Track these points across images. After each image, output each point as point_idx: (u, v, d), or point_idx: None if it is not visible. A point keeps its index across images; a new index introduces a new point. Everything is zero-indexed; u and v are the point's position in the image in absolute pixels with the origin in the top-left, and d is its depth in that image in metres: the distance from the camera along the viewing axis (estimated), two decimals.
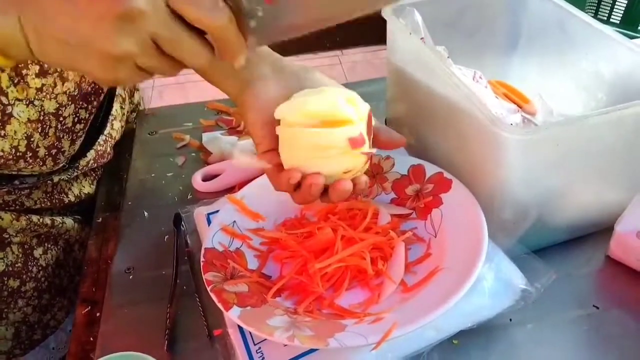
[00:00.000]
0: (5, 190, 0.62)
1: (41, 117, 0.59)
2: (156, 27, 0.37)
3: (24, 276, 0.65)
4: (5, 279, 0.64)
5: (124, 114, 0.79)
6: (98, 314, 0.59)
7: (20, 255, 0.65)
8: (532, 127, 0.64)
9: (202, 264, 0.54)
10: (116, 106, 0.76)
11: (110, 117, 0.74)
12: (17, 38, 0.39)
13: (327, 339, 0.45)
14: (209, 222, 0.63)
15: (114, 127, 0.75)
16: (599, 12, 1.58)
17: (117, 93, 0.76)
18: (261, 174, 0.66)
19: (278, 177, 0.49)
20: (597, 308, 0.55)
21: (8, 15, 0.38)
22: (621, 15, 1.55)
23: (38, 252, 0.67)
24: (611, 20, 1.54)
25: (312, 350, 0.49)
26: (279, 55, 0.55)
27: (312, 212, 0.60)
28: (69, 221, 0.71)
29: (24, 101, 0.56)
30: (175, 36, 0.38)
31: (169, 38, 0.38)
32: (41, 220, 0.66)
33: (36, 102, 0.57)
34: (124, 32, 0.37)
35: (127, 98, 0.81)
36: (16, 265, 0.64)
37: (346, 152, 0.47)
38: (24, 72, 0.54)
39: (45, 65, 0.56)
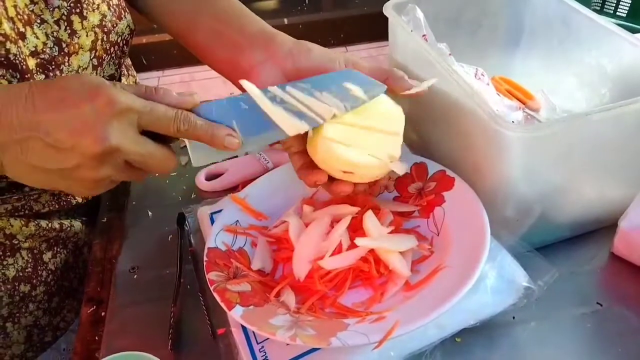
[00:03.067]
0: (16, 197, 0.63)
1: None
2: (129, 153, 0.44)
3: (34, 281, 0.66)
4: (16, 284, 0.64)
5: None
6: (103, 314, 0.59)
7: (30, 261, 0.65)
8: (533, 125, 0.64)
9: (205, 263, 0.54)
10: None
11: None
12: None
13: (330, 338, 0.45)
14: (212, 221, 0.63)
15: None
16: (605, 6, 1.57)
17: None
18: (264, 173, 0.66)
19: (306, 176, 0.53)
20: (601, 305, 0.55)
21: None
22: (628, 8, 1.53)
23: (47, 256, 0.67)
24: (617, 13, 1.53)
25: (315, 349, 0.49)
26: (271, 30, 0.58)
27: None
28: (77, 224, 0.71)
29: None
30: (146, 154, 0.45)
31: (141, 158, 0.45)
32: (50, 224, 0.67)
33: None
34: (103, 163, 0.44)
35: None
36: (26, 270, 0.65)
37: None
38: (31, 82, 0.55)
39: (51, 74, 0.57)
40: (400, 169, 0.53)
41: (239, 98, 0.49)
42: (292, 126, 0.49)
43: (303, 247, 0.55)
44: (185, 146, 0.79)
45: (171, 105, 0.46)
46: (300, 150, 0.54)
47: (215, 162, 0.58)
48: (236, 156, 0.75)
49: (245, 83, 0.49)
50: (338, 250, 0.54)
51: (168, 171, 0.48)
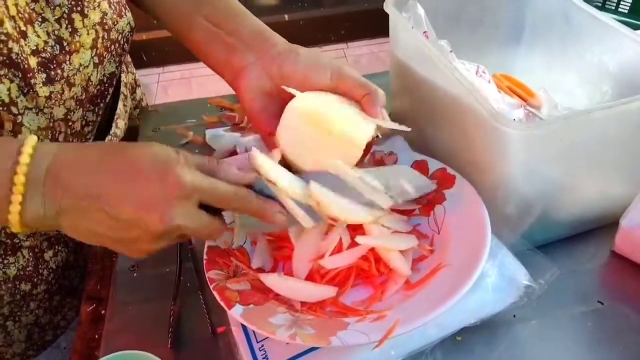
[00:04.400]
0: None
1: (51, 124, 0.59)
2: (188, 229, 0.45)
3: (35, 279, 0.66)
4: (17, 283, 0.64)
5: (126, 112, 0.79)
6: (103, 312, 0.59)
7: (31, 259, 0.65)
8: (534, 122, 0.64)
9: (204, 262, 0.54)
10: (120, 105, 0.76)
11: (115, 117, 0.74)
12: (50, 224, 0.45)
13: (329, 337, 0.45)
14: None
15: (119, 126, 0.75)
16: (607, 2, 1.56)
17: (120, 92, 0.76)
18: None
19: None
20: (602, 304, 0.55)
21: (47, 209, 0.44)
22: (629, 4, 1.53)
23: (48, 254, 0.67)
24: (619, 9, 1.52)
25: (315, 348, 0.49)
26: (266, 32, 0.60)
27: None
28: None
29: (34, 109, 0.56)
30: (201, 227, 0.46)
31: (195, 231, 0.46)
32: None
33: (45, 110, 0.57)
34: (163, 239, 0.45)
35: (128, 95, 0.81)
36: (27, 269, 0.65)
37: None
38: (32, 81, 0.54)
39: (52, 73, 0.57)
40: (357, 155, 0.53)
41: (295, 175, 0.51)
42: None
43: (303, 246, 0.54)
44: (187, 142, 0.80)
45: (231, 182, 0.47)
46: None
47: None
48: (236, 153, 0.75)
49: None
50: (338, 249, 0.54)
51: (214, 239, 0.52)
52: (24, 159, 0.43)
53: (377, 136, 0.54)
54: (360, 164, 0.53)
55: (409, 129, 0.54)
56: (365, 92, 0.54)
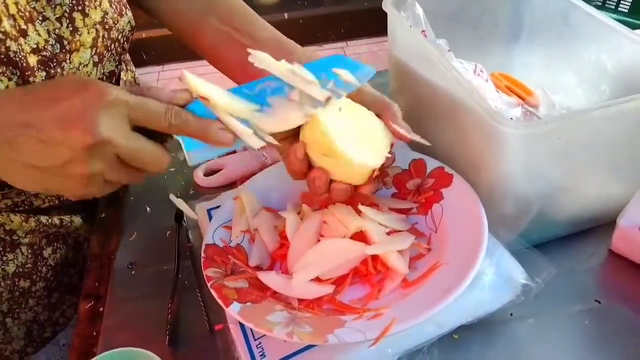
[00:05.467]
0: (15, 191, 0.63)
1: None
2: (122, 147, 0.43)
3: (34, 276, 0.66)
4: (16, 279, 0.64)
5: None
6: (101, 309, 0.59)
7: (30, 256, 0.65)
8: (532, 121, 0.64)
9: (202, 260, 0.54)
10: None
11: None
12: None
13: (326, 335, 0.45)
14: (210, 217, 0.63)
15: None
16: (607, 1, 1.56)
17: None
18: (262, 169, 0.66)
19: (289, 153, 0.52)
20: (599, 302, 0.55)
21: None
22: (629, 4, 1.52)
23: (47, 252, 0.67)
24: (619, 9, 1.52)
25: (312, 345, 0.49)
26: (283, 38, 0.59)
27: (311, 205, 0.60)
28: (77, 220, 0.71)
29: None
30: (138, 149, 0.44)
31: (133, 153, 0.44)
32: (50, 220, 0.67)
33: None
34: (94, 157, 0.43)
35: None
36: (26, 266, 0.65)
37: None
38: (31, 79, 0.54)
39: (52, 71, 0.57)
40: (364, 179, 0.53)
41: (231, 91, 0.49)
42: (293, 119, 0.49)
43: (298, 242, 0.55)
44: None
45: (163, 101, 0.45)
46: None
47: (211, 159, 0.57)
48: (234, 151, 0.75)
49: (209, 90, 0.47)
50: None
51: (162, 169, 0.47)
52: None
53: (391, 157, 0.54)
54: (376, 181, 0.54)
55: (430, 144, 0.55)
56: (383, 107, 0.54)
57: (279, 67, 0.49)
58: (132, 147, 0.44)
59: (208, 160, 0.58)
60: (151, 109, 0.44)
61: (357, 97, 0.54)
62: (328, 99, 0.49)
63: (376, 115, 0.54)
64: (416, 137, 0.54)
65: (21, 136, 0.42)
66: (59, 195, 0.68)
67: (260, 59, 0.49)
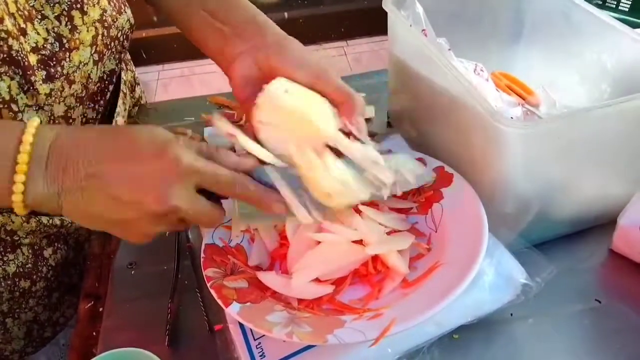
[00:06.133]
0: None
1: (51, 121, 0.59)
2: (187, 212, 0.45)
3: (34, 276, 0.66)
4: (17, 280, 0.64)
5: (126, 109, 0.79)
6: (101, 309, 0.59)
7: (31, 256, 0.65)
8: (532, 121, 0.64)
9: (202, 260, 0.54)
10: (119, 102, 0.76)
11: (115, 114, 0.74)
12: (52, 205, 0.45)
13: (326, 335, 0.45)
14: None
15: (119, 124, 0.75)
16: (607, 0, 1.56)
17: (120, 89, 0.76)
18: None
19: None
20: (599, 302, 0.55)
21: (49, 188, 0.44)
22: (630, 3, 1.52)
23: (48, 252, 0.67)
24: (620, 7, 1.52)
25: (312, 346, 0.49)
26: (261, 20, 0.59)
27: None
28: None
29: (34, 107, 0.56)
30: (200, 212, 0.46)
31: (195, 215, 0.46)
32: (51, 221, 0.66)
33: (46, 107, 0.57)
34: (161, 221, 0.45)
35: (128, 93, 0.81)
36: (26, 266, 0.65)
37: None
38: (32, 78, 0.54)
39: (52, 70, 0.56)
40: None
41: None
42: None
43: (298, 242, 0.54)
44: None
45: (230, 167, 0.47)
46: None
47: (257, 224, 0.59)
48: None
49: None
50: None
51: (214, 225, 0.51)
52: (27, 138, 0.43)
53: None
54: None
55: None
56: (344, 98, 0.52)
57: (346, 144, 0.50)
58: (196, 210, 0.45)
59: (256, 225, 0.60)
60: (221, 177, 0.46)
61: (318, 83, 0.53)
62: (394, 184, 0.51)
63: (334, 106, 0.52)
64: (367, 139, 0.52)
65: (93, 188, 0.43)
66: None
67: (328, 134, 0.50)
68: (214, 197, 0.47)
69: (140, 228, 0.45)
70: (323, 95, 0.53)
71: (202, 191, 0.46)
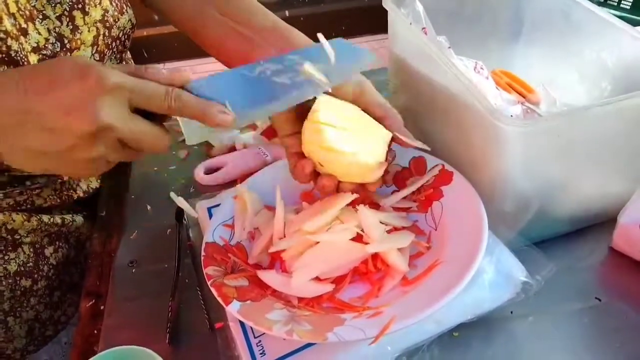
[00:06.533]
0: (17, 191, 0.63)
1: None
2: (122, 132, 0.43)
3: (36, 275, 0.66)
4: (18, 278, 0.65)
5: None
6: (102, 308, 0.59)
7: (32, 255, 0.66)
8: (531, 119, 0.64)
9: (202, 258, 0.54)
10: None
11: None
12: None
13: (326, 333, 0.45)
14: (210, 215, 0.63)
15: None
16: None
17: None
18: (262, 167, 0.66)
19: (296, 165, 0.54)
20: (599, 300, 0.55)
21: None
22: (631, 1, 1.52)
23: (49, 250, 0.68)
24: (621, 5, 1.51)
25: (312, 343, 0.49)
26: (284, 25, 0.59)
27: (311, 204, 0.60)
28: (79, 218, 0.71)
29: None
30: (138, 131, 0.44)
31: (134, 136, 0.44)
32: (52, 219, 0.67)
33: None
34: (97, 143, 0.43)
35: None
36: (28, 265, 0.65)
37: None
38: None
39: None
40: (375, 176, 0.53)
41: (230, 72, 0.48)
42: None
43: (294, 244, 0.55)
44: (183, 140, 0.80)
45: (162, 82, 0.45)
46: (297, 152, 0.54)
47: (209, 138, 0.57)
48: (234, 149, 0.75)
49: None
50: None
51: (162, 150, 0.47)
52: None
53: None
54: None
55: (430, 149, 0.56)
56: (383, 113, 0.54)
57: None
58: (133, 130, 0.44)
59: (206, 140, 0.58)
60: (151, 91, 0.44)
61: (360, 98, 0.54)
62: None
63: (376, 120, 0.54)
64: (418, 144, 0.55)
65: (25, 123, 0.42)
66: (67, 187, 0.69)
67: None
68: (154, 120, 0.45)
69: (80, 155, 0.44)
70: (364, 109, 0.54)
71: (140, 114, 0.45)
